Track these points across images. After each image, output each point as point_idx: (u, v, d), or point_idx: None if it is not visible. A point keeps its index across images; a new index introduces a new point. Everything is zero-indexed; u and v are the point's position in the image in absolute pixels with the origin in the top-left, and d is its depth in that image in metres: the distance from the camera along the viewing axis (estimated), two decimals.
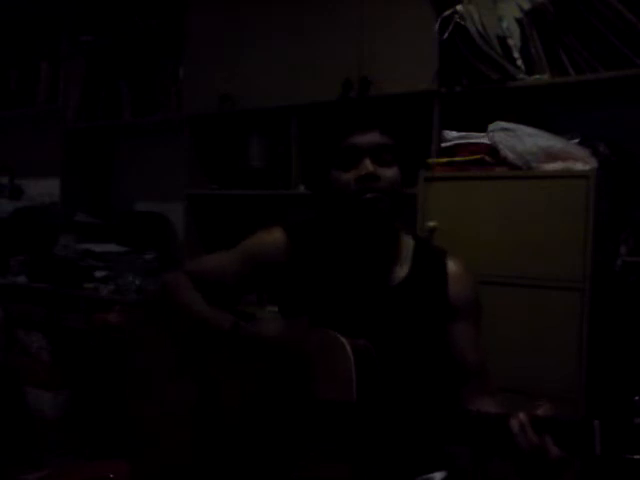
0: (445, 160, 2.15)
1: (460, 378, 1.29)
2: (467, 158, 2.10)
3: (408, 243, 1.36)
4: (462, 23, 2.12)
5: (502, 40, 2.12)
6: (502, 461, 1.08)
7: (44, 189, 3.77)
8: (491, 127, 2.06)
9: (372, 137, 1.24)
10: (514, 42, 2.12)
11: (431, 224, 2.07)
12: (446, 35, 2.15)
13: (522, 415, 1.00)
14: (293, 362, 1.24)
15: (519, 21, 2.11)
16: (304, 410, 1.21)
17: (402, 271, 1.33)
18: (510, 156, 2.01)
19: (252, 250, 1.39)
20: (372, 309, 1.29)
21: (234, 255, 1.41)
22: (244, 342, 1.29)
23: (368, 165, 1.23)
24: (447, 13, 2.15)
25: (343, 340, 1.18)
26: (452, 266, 1.34)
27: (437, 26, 2.18)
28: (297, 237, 1.37)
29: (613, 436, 0.91)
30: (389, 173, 1.25)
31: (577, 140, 2.05)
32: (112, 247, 3.29)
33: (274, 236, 1.38)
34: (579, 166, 1.93)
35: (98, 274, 3.18)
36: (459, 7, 2.13)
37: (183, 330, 1.40)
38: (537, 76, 2.08)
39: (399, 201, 1.29)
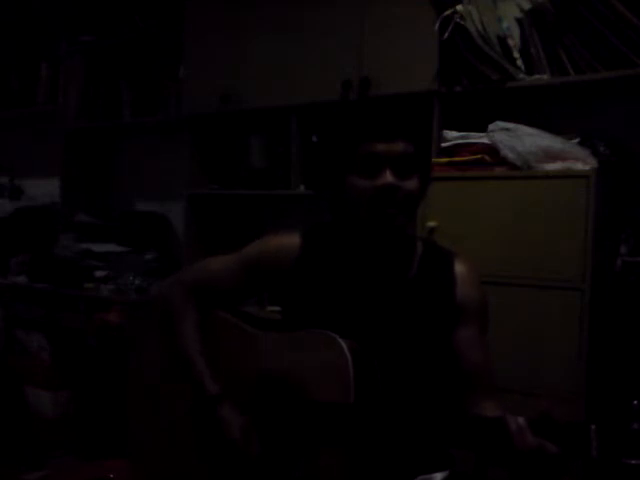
0: (445, 160, 2.15)
1: (464, 380, 1.29)
2: (467, 158, 2.10)
3: (417, 246, 1.36)
4: (462, 23, 2.12)
5: (502, 40, 2.12)
6: (500, 467, 1.08)
7: (44, 189, 3.76)
8: (491, 127, 2.06)
9: (396, 147, 1.22)
10: (514, 42, 2.12)
11: (431, 224, 2.07)
12: (446, 35, 2.15)
13: (520, 418, 1.00)
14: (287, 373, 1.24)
15: (519, 21, 2.11)
16: (303, 412, 1.21)
17: (410, 273, 1.33)
18: (510, 156, 2.01)
19: (253, 257, 1.39)
20: (378, 310, 1.29)
21: (233, 261, 1.41)
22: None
23: (389, 177, 1.20)
24: (447, 13, 2.15)
25: (341, 342, 1.18)
26: (459, 267, 1.34)
27: (437, 26, 2.18)
28: (310, 242, 1.36)
29: (610, 440, 0.91)
30: (409, 185, 1.23)
31: (577, 140, 2.05)
32: (112, 247, 3.29)
33: (283, 241, 1.37)
34: (579, 166, 1.93)
35: (98, 274, 3.18)
36: (459, 7, 2.13)
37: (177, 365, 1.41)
38: (537, 76, 2.08)
39: (415, 211, 1.30)
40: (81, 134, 3.53)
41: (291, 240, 1.36)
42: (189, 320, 1.40)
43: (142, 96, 3.21)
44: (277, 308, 1.48)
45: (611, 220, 2.05)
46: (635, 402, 0.91)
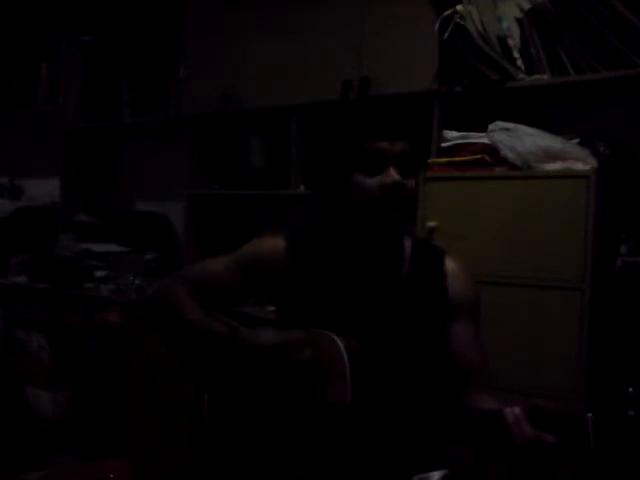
0: (445, 160, 2.15)
1: (459, 376, 1.29)
2: (467, 158, 2.10)
3: (407, 243, 1.37)
4: (462, 23, 2.12)
5: (502, 40, 2.12)
6: (499, 462, 1.09)
7: (44, 189, 3.76)
8: (491, 127, 2.06)
9: (400, 146, 1.23)
10: (514, 42, 2.12)
11: (431, 224, 2.07)
12: (446, 35, 2.15)
13: (517, 409, 1.01)
14: (288, 366, 1.23)
15: (519, 21, 2.11)
16: (300, 411, 1.21)
17: (403, 271, 1.33)
18: (510, 156, 2.01)
19: (248, 257, 1.39)
20: (373, 309, 1.30)
21: (230, 261, 1.41)
22: (240, 350, 1.28)
23: (394, 174, 1.22)
24: (447, 13, 2.15)
25: (338, 341, 1.18)
26: (450, 264, 1.35)
27: (437, 26, 2.18)
28: (298, 244, 1.36)
29: (607, 429, 0.92)
30: (411, 183, 1.25)
31: (577, 140, 2.05)
32: (112, 247, 3.29)
33: (271, 244, 1.37)
34: (579, 166, 1.93)
35: (98, 274, 3.18)
36: (459, 7, 2.13)
37: (180, 339, 1.40)
38: (537, 76, 2.08)
39: (414, 209, 1.32)
40: (81, 134, 3.53)
41: (279, 242, 1.37)
42: (188, 299, 1.39)
43: (142, 96, 3.21)
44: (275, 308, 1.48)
45: (611, 220, 2.05)
46: (631, 389, 0.92)
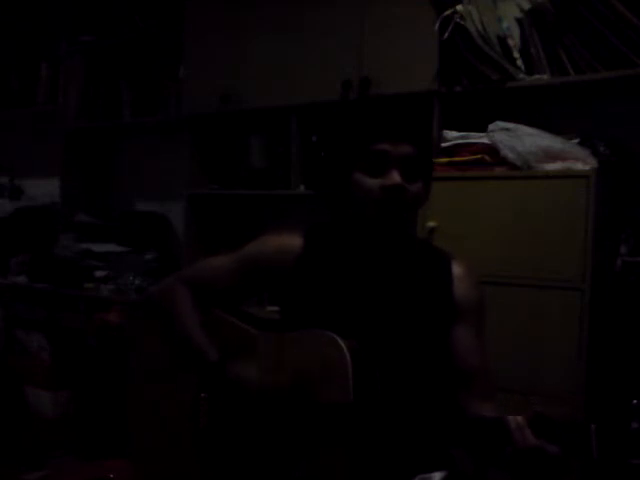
0: (445, 160, 2.15)
1: (461, 381, 1.29)
2: (467, 158, 2.10)
3: (415, 246, 1.37)
4: (462, 23, 2.12)
5: (502, 40, 2.12)
6: (501, 470, 1.09)
7: (44, 189, 3.76)
8: (491, 127, 2.06)
9: (404, 149, 1.22)
10: (514, 42, 2.12)
11: (431, 224, 2.07)
12: (446, 35, 2.15)
13: (519, 417, 1.01)
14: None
15: (519, 21, 2.11)
16: (302, 412, 1.21)
17: (409, 272, 1.33)
18: (510, 156, 2.01)
19: (251, 257, 1.39)
20: (377, 308, 1.29)
21: (232, 260, 1.40)
22: (226, 384, 1.31)
23: (396, 177, 1.21)
24: (447, 13, 2.15)
25: (340, 341, 1.18)
26: (457, 268, 1.35)
27: (437, 26, 2.18)
28: (312, 242, 1.36)
29: (610, 440, 0.91)
30: (414, 188, 1.24)
31: (577, 140, 2.05)
32: (112, 247, 3.29)
33: (284, 241, 1.37)
34: (579, 166, 1.93)
35: (98, 274, 3.18)
36: (459, 7, 2.13)
37: (175, 348, 1.41)
38: (537, 76, 2.08)
39: (416, 213, 1.31)
40: (81, 134, 3.53)
41: (292, 240, 1.36)
42: (187, 306, 1.40)
43: (142, 96, 3.21)
44: (277, 308, 1.48)
45: (611, 220, 2.05)
46: (635, 401, 0.91)
